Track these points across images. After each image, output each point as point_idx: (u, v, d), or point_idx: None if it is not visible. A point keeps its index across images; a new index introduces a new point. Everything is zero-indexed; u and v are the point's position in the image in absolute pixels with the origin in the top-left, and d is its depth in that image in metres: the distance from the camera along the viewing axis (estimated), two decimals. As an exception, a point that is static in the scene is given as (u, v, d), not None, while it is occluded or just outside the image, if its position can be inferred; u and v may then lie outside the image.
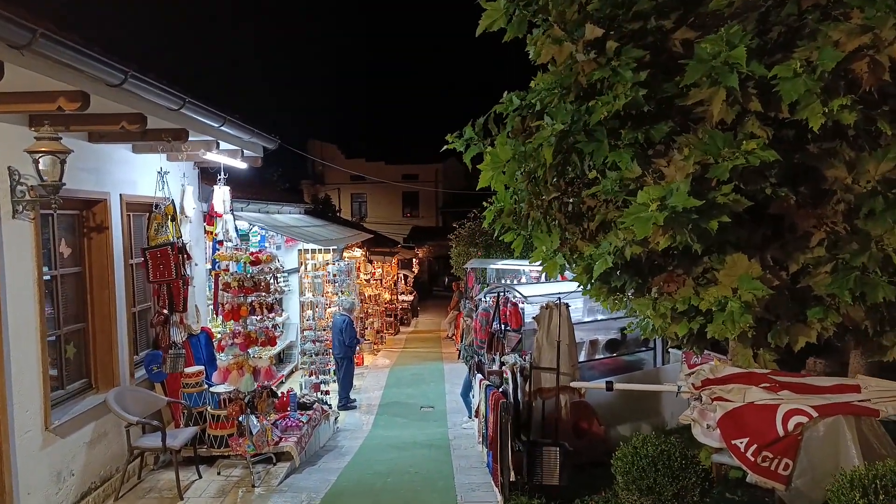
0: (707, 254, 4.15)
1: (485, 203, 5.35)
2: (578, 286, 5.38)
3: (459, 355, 12.75)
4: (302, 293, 11.65)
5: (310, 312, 11.14)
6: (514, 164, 4.65)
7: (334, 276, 11.75)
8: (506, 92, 4.83)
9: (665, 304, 4.55)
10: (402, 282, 22.49)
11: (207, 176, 8.26)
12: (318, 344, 10.26)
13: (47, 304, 5.31)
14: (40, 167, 4.38)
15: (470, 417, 8.71)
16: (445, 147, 5.10)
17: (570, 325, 6.26)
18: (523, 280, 11.81)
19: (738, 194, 3.50)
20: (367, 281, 17.02)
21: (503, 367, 6.96)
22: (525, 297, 7.41)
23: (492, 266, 13.60)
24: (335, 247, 11.96)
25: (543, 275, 11.57)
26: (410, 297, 22.40)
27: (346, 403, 9.96)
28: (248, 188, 11.12)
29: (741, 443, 3.99)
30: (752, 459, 3.87)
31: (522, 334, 7.25)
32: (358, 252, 16.13)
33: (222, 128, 6.00)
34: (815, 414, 3.70)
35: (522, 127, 4.66)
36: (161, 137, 5.60)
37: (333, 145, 37.12)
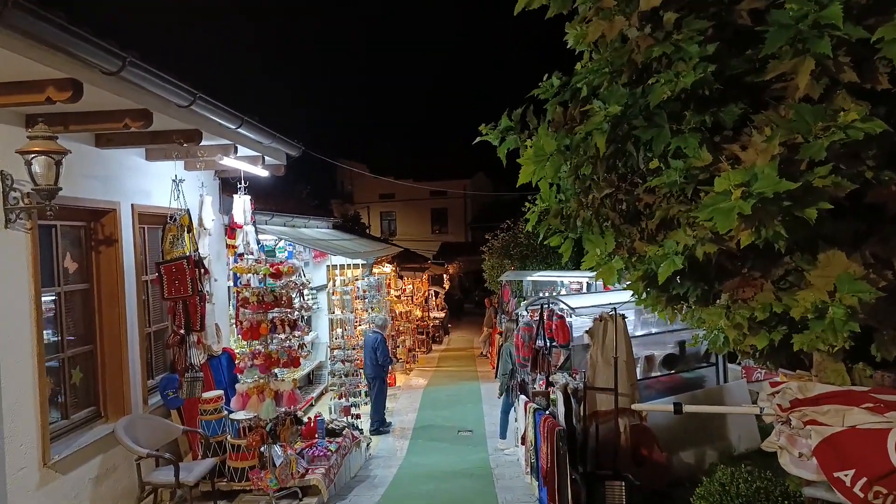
0: (790, 252, 3.48)
1: (527, 203, 4.76)
2: (632, 295, 4.71)
3: (496, 374, 12.07)
4: (331, 311, 11.14)
5: (339, 331, 10.60)
6: (558, 157, 4.05)
7: (364, 291, 11.20)
8: (546, 75, 4.25)
9: (741, 312, 3.87)
10: (434, 298, 21.87)
11: (229, 187, 7.80)
12: (347, 364, 9.69)
13: (50, 325, 4.84)
14: (34, 169, 3.91)
15: (503, 438, 7.97)
16: (478, 139, 4.52)
17: (628, 340, 5.57)
18: (563, 292, 11.11)
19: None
20: (398, 297, 16.46)
21: (549, 388, 6.28)
22: (573, 309, 6.72)
23: (528, 278, 12.91)
24: (364, 261, 11.43)
25: (585, 285, 10.86)
26: (442, 314, 21.77)
27: (379, 427, 9.33)
28: (273, 202, 10.69)
29: (846, 475, 3.27)
30: (862, 496, 3.14)
31: (571, 350, 6.55)
32: (388, 268, 15.61)
33: (240, 130, 5.52)
34: (935, 440, 2.97)
35: (564, 118, 4.07)
36: (172, 140, 5.12)
37: (363, 164, 37.07)
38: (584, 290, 10.81)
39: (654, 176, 3.65)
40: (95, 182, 5.22)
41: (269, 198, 10.47)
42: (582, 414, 5.36)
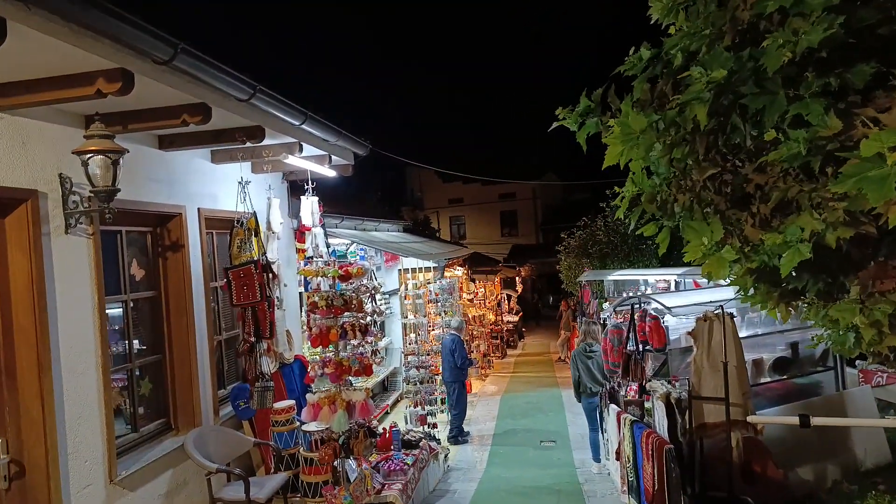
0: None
1: (616, 188, 4.20)
2: (737, 291, 4.05)
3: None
4: (404, 315, 10.84)
5: (413, 336, 10.27)
6: (650, 133, 3.48)
7: (436, 294, 10.84)
8: (632, 49, 3.69)
9: (881, 307, 3.18)
10: (507, 301, 21.30)
11: (297, 191, 7.60)
12: (422, 370, 9.31)
13: (116, 334, 4.69)
14: (91, 170, 3.71)
15: (596, 461, 7.26)
16: (555, 124, 4.00)
17: (738, 342, 4.87)
18: (648, 291, 10.34)
19: None
20: (471, 301, 16.02)
21: (643, 396, 5.66)
22: (668, 309, 6.06)
23: (609, 277, 12.18)
24: (436, 263, 11.08)
25: (674, 283, 10.03)
26: (516, 318, 21.14)
27: (458, 435, 8.89)
28: (344, 208, 10.52)
29: None
30: None
31: (668, 354, 5.89)
32: (459, 271, 15.22)
33: (303, 126, 5.24)
34: None
35: (652, 96, 3.49)
36: (235, 138, 4.89)
37: (430, 169, 37.04)
38: (673, 288, 10.03)
39: (768, 151, 3.05)
40: (160, 185, 5.05)
41: (340, 203, 10.33)
42: (687, 427, 4.72)
